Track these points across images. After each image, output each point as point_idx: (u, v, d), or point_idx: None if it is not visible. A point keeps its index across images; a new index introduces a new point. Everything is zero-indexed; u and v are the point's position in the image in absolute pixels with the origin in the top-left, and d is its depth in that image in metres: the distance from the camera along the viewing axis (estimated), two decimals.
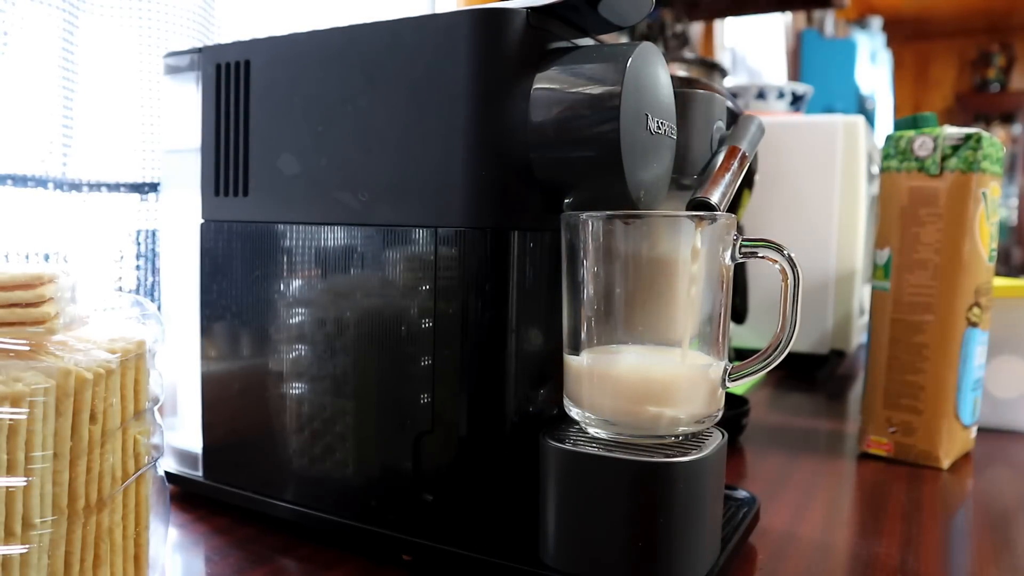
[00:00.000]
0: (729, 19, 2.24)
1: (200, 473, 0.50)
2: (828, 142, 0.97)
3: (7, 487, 0.28)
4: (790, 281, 0.39)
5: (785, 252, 0.39)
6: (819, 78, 2.78)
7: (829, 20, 3.36)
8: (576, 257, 0.39)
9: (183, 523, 0.48)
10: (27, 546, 0.28)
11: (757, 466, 0.62)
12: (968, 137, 0.60)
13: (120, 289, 0.66)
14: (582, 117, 0.38)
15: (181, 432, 0.52)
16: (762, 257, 0.39)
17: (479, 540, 0.40)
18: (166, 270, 0.54)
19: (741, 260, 0.39)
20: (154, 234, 0.67)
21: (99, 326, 0.34)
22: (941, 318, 0.61)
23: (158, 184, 0.66)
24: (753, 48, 2.64)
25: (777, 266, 0.39)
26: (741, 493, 0.50)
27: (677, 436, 0.38)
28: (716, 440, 0.40)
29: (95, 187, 0.64)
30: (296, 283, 0.45)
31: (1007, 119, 4.59)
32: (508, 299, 0.39)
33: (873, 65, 3.40)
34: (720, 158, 0.45)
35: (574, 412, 0.39)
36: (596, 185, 0.39)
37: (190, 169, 0.50)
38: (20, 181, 0.58)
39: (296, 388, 0.45)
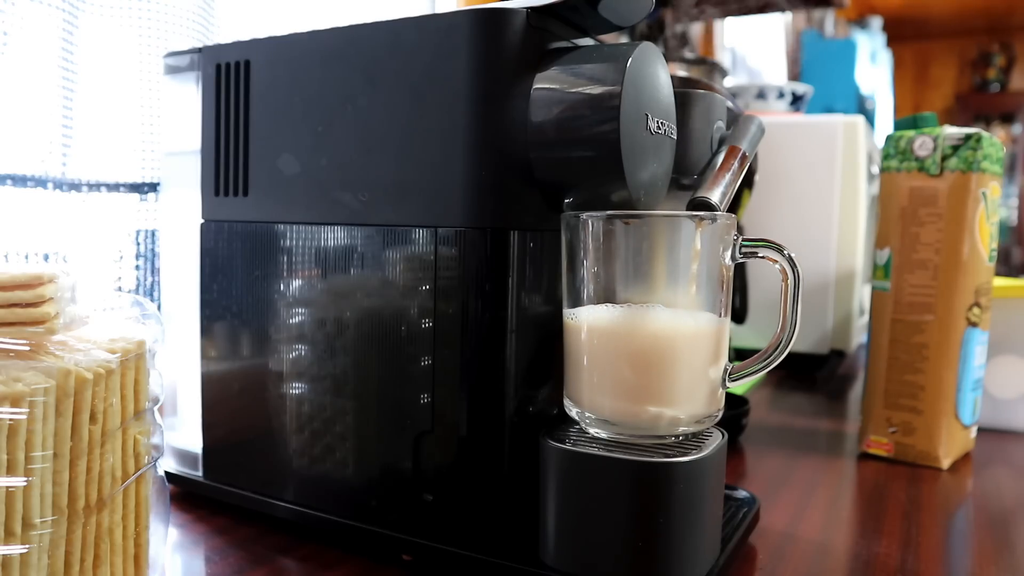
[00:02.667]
0: (729, 19, 2.24)
1: (200, 473, 0.50)
2: (828, 142, 0.97)
3: (7, 487, 0.28)
4: (790, 281, 0.39)
5: (785, 252, 0.39)
6: (819, 78, 2.78)
7: (829, 20, 3.36)
8: (576, 257, 0.39)
9: (183, 523, 0.48)
10: (27, 546, 0.28)
11: (757, 466, 0.62)
12: (968, 137, 0.60)
13: (120, 289, 0.66)
14: (582, 117, 0.38)
15: (181, 432, 0.52)
16: (762, 257, 0.39)
17: (479, 540, 0.40)
18: (166, 270, 0.54)
19: (741, 260, 0.39)
20: (154, 234, 0.67)
21: (99, 326, 0.34)
22: (941, 318, 0.61)
23: (158, 184, 0.67)
24: (753, 48, 2.64)
25: (777, 266, 0.39)
26: (741, 493, 0.50)
27: (677, 436, 0.38)
28: (716, 440, 0.40)
29: (95, 187, 0.64)
30: (296, 283, 0.45)
31: (1007, 119, 4.59)
32: (508, 299, 0.39)
33: (873, 65, 3.40)
34: (720, 158, 0.45)
35: (574, 412, 0.39)
36: (596, 185, 0.39)
37: (190, 170, 0.50)
38: (20, 181, 0.58)
39: (296, 388, 0.45)
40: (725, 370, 0.39)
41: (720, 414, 0.40)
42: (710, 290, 0.38)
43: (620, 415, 0.38)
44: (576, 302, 0.39)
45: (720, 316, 0.39)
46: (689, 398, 0.38)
